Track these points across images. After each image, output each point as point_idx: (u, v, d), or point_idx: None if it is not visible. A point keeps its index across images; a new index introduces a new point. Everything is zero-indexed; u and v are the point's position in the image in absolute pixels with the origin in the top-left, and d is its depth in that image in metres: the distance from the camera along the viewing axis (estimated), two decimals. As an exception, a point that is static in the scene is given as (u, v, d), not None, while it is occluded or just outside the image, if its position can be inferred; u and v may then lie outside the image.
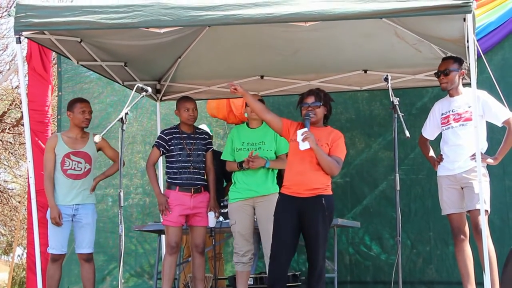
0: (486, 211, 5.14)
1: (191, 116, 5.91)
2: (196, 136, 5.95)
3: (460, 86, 5.55)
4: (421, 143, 5.86)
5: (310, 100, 5.12)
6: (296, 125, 5.16)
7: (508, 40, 7.33)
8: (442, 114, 5.57)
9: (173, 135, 5.91)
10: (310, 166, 4.99)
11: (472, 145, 5.24)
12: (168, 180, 5.89)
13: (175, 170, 5.83)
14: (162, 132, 6.02)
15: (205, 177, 5.94)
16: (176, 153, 5.84)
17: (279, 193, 5.16)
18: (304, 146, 4.92)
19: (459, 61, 5.54)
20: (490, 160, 5.43)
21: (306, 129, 4.96)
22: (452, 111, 5.48)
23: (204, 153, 5.93)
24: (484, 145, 5.47)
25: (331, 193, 5.06)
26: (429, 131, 5.76)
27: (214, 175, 5.98)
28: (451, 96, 5.55)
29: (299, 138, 4.93)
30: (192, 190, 5.82)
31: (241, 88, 5.09)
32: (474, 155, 5.22)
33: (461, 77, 5.53)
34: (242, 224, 5.64)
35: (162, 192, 5.94)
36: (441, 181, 5.53)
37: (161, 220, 5.96)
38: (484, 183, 5.20)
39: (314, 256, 4.94)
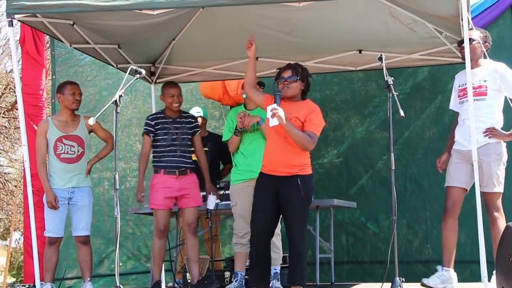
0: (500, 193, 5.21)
1: (176, 102, 5.90)
2: (181, 120, 5.94)
3: (481, 59, 5.48)
4: (454, 125, 5.62)
5: (287, 74, 4.98)
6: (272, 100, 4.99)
7: (503, 17, 7.30)
8: (459, 86, 5.49)
9: (159, 120, 5.90)
10: (285, 144, 4.84)
11: (485, 121, 5.23)
12: (154, 164, 5.90)
13: (160, 154, 5.84)
14: (147, 118, 5.99)
15: (191, 160, 5.92)
16: (161, 137, 5.84)
17: (260, 172, 5.07)
18: (273, 122, 4.72)
19: (484, 34, 5.50)
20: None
21: (275, 105, 4.77)
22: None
23: (189, 136, 5.92)
24: (499, 121, 5.37)
25: (309, 172, 4.94)
26: (453, 104, 5.63)
27: (204, 158, 5.97)
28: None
29: (268, 114, 4.74)
30: (177, 172, 5.81)
31: (254, 48, 5.04)
32: (486, 130, 5.22)
33: (482, 50, 5.43)
34: (243, 206, 5.61)
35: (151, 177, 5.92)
36: (453, 154, 5.47)
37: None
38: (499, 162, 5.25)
39: (291, 236, 4.86)
